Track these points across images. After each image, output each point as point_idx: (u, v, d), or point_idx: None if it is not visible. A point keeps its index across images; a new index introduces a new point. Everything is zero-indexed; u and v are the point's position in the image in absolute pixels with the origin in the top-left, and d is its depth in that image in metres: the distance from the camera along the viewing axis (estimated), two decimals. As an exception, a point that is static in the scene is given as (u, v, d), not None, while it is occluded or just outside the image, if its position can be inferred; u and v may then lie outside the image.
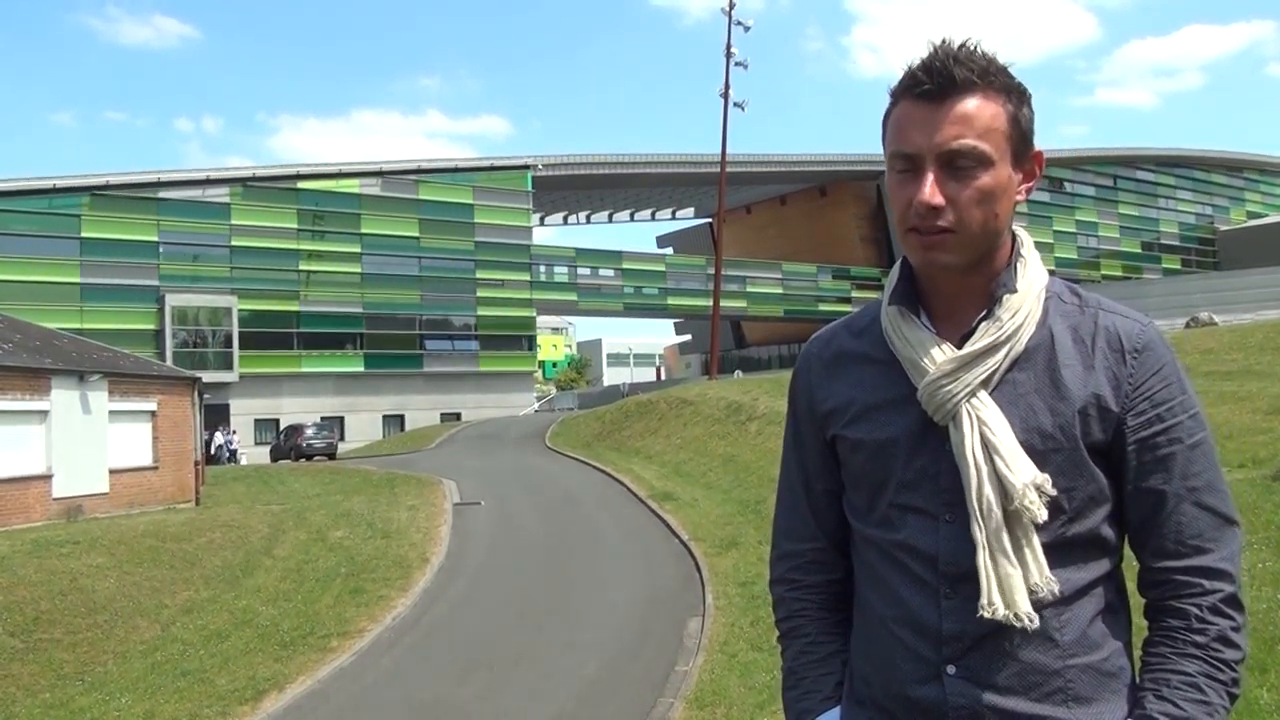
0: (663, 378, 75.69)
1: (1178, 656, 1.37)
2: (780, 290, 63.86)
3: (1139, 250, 74.45)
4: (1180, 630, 1.38)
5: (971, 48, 1.40)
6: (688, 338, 79.41)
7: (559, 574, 13.61)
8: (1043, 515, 1.35)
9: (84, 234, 43.78)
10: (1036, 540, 1.37)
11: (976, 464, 1.38)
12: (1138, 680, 1.42)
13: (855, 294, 63.84)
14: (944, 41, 1.40)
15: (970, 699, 1.38)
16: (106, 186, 44.43)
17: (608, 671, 9.40)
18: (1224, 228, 77.59)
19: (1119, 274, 70.44)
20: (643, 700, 8.37)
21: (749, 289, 62.17)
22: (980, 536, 1.37)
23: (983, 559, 1.37)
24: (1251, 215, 79.78)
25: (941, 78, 1.37)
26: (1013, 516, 1.37)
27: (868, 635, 1.52)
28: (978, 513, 1.37)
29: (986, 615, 1.36)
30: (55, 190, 43.31)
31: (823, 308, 62.79)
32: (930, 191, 1.36)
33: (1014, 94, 1.40)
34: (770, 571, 1.71)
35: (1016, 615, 1.35)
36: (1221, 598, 1.38)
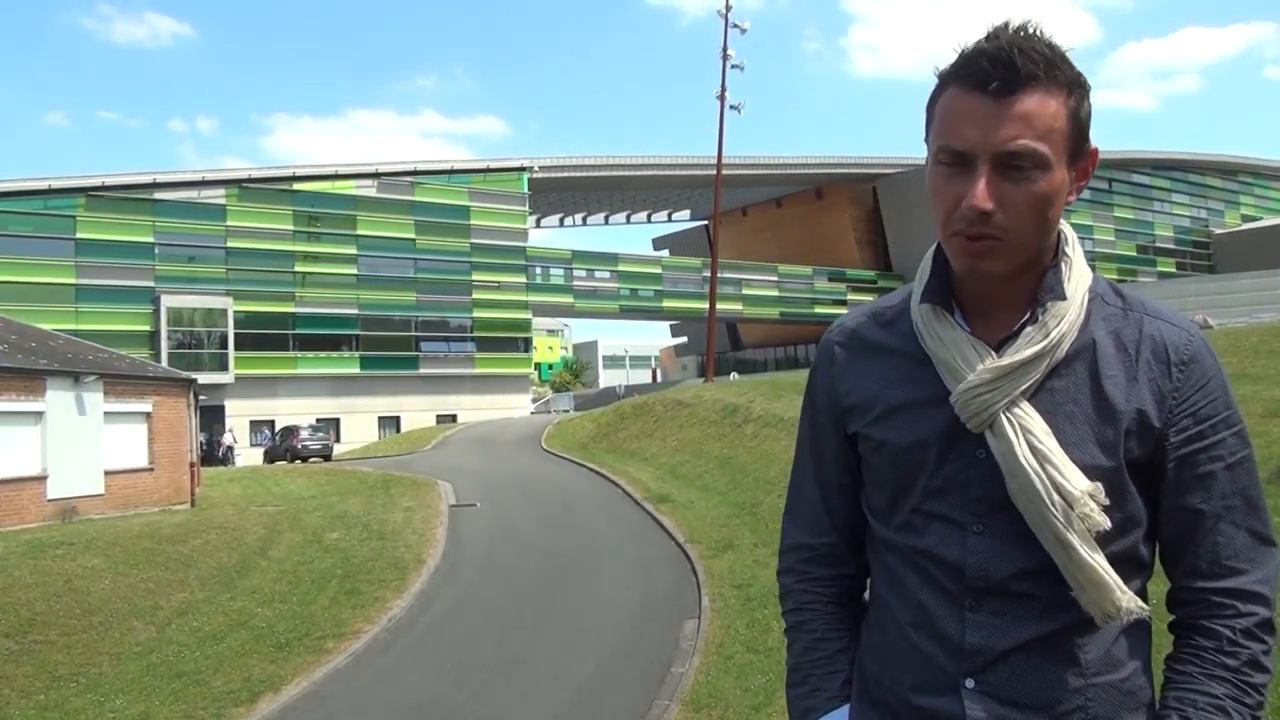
0: (659, 380, 75.74)
1: (1206, 678, 1.32)
2: (776, 293, 63.88)
3: (1134, 253, 74.54)
4: (1210, 651, 1.33)
5: (1033, 32, 1.28)
6: (684, 340, 79.42)
7: (555, 576, 13.61)
8: (1106, 524, 1.28)
9: (79, 235, 43.71)
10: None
11: (1034, 470, 1.29)
12: (1160, 696, 1.37)
13: (851, 296, 63.86)
14: (1005, 25, 1.29)
15: (988, 713, 1.33)
16: (102, 188, 44.37)
17: (604, 673, 9.40)
18: (1219, 231, 77.74)
19: (1114, 277, 70.13)
20: (639, 702, 8.37)
21: (745, 291, 62.19)
22: (1074, 539, 1.29)
23: (1090, 559, 1.29)
24: (1246, 219, 79.93)
25: (1005, 70, 1.25)
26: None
27: (882, 636, 1.46)
28: (1057, 517, 1.29)
29: (1120, 613, 1.30)
30: (50, 191, 43.24)
31: (818, 310, 62.86)
32: (982, 195, 1.26)
33: (1076, 88, 1.30)
34: (779, 560, 1.64)
35: (1140, 607, 1.31)
36: (1256, 621, 1.33)
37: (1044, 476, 1.29)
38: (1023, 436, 1.31)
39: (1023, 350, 1.33)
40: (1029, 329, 1.34)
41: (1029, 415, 1.32)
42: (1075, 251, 1.39)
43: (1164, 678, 1.38)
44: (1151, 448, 1.34)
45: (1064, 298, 1.34)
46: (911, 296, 1.46)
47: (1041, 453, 1.30)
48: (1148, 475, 1.36)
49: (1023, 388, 1.33)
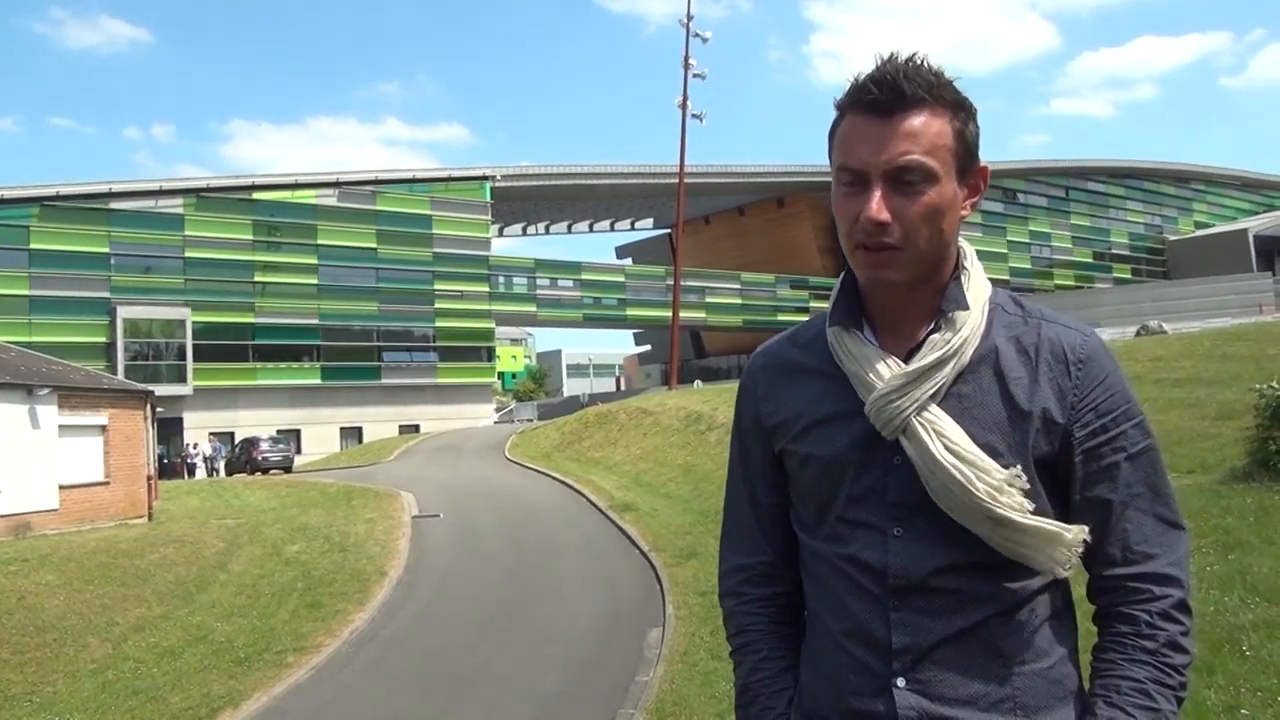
0: (622, 388, 75.74)
1: (1127, 663, 1.38)
2: (739, 300, 64.15)
3: (1090, 260, 75.70)
4: (1130, 636, 1.39)
5: (919, 62, 1.38)
6: (647, 348, 79.49)
7: (519, 586, 13.55)
8: (1030, 507, 1.36)
9: (33, 245, 42.98)
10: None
11: (953, 464, 1.36)
12: (1088, 686, 1.42)
13: (813, 304, 64.24)
14: (892, 55, 1.39)
15: (920, 711, 1.37)
16: (56, 197, 43.69)
17: (569, 684, 9.38)
18: (1173, 238, 79.11)
19: (1071, 283, 71.53)
20: (604, 712, 8.37)
21: (708, 299, 62.38)
22: (1010, 513, 1.35)
23: (1033, 521, 1.36)
24: (1199, 225, 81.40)
25: (890, 91, 1.36)
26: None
27: (816, 648, 1.51)
28: (984, 500, 1.34)
29: (1071, 552, 1.38)
30: (2, 201, 42.52)
31: (781, 318, 63.13)
32: (877, 208, 1.35)
33: (960, 109, 1.40)
34: (719, 585, 1.69)
35: (1082, 530, 1.38)
36: (1171, 603, 1.39)
37: (962, 469, 1.36)
38: (937, 438, 1.38)
39: (927, 356, 1.41)
40: (933, 337, 1.43)
41: (940, 419, 1.40)
42: (974, 266, 1.49)
43: (1091, 667, 1.44)
44: (1058, 444, 1.41)
45: (966, 307, 1.43)
46: (826, 319, 1.53)
47: (957, 450, 1.37)
48: (1056, 472, 1.43)
49: (930, 392, 1.40)
